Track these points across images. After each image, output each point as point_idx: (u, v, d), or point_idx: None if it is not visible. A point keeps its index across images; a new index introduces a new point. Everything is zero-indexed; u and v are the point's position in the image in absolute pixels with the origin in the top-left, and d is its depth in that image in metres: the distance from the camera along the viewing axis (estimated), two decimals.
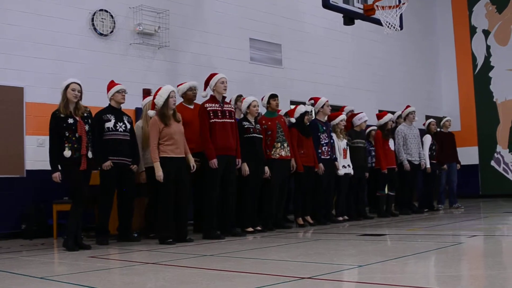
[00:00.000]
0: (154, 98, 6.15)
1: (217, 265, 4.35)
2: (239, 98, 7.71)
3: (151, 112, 6.10)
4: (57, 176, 5.66)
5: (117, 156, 6.34)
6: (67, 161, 5.66)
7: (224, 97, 6.72)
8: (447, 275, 3.51)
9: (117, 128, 6.39)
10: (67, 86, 5.77)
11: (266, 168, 7.12)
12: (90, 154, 5.80)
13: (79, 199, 5.78)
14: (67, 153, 5.64)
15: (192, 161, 6.21)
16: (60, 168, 5.71)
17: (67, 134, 5.67)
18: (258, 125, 7.16)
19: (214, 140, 6.42)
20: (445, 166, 10.37)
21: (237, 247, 5.51)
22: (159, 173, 5.88)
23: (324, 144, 8.05)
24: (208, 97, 6.66)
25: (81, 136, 5.71)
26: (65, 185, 6.01)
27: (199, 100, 7.02)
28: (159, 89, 6.14)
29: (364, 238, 6.05)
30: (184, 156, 6.13)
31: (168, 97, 6.02)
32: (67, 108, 5.74)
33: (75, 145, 5.68)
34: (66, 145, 5.65)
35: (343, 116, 8.51)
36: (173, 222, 6.01)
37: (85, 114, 5.84)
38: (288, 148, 7.42)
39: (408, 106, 9.87)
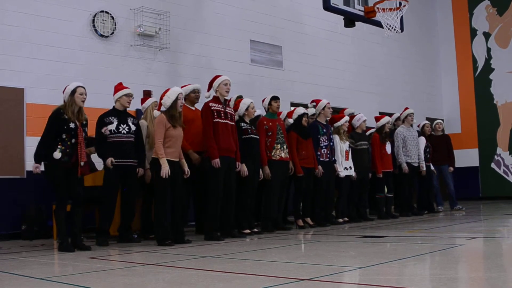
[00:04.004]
0: (161, 98, 6.11)
1: (217, 266, 4.35)
2: (238, 99, 7.70)
3: (157, 113, 6.09)
4: (36, 168, 5.63)
5: (120, 158, 6.31)
6: (55, 162, 5.62)
7: (226, 99, 6.73)
8: (446, 277, 3.51)
9: (120, 130, 6.36)
10: (74, 90, 5.75)
11: (261, 172, 7.12)
12: (82, 163, 5.72)
13: (63, 201, 5.72)
14: (57, 154, 5.61)
15: (185, 166, 6.17)
16: (43, 164, 5.67)
17: (63, 137, 5.65)
18: (253, 126, 7.16)
19: (217, 140, 6.40)
20: (433, 169, 10.34)
21: (237, 249, 5.50)
22: (166, 168, 5.83)
23: (324, 147, 8.04)
24: (211, 98, 6.67)
25: (77, 143, 5.68)
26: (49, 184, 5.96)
27: (200, 103, 7.03)
28: (167, 90, 6.11)
29: (364, 240, 6.05)
30: (178, 160, 6.11)
31: (176, 98, 6.00)
32: (74, 113, 5.73)
33: (67, 150, 5.64)
34: (59, 146, 5.62)
35: (346, 118, 8.51)
36: (170, 223, 6.00)
37: (84, 122, 5.83)
38: (287, 150, 7.44)
39: (406, 108, 9.87)
